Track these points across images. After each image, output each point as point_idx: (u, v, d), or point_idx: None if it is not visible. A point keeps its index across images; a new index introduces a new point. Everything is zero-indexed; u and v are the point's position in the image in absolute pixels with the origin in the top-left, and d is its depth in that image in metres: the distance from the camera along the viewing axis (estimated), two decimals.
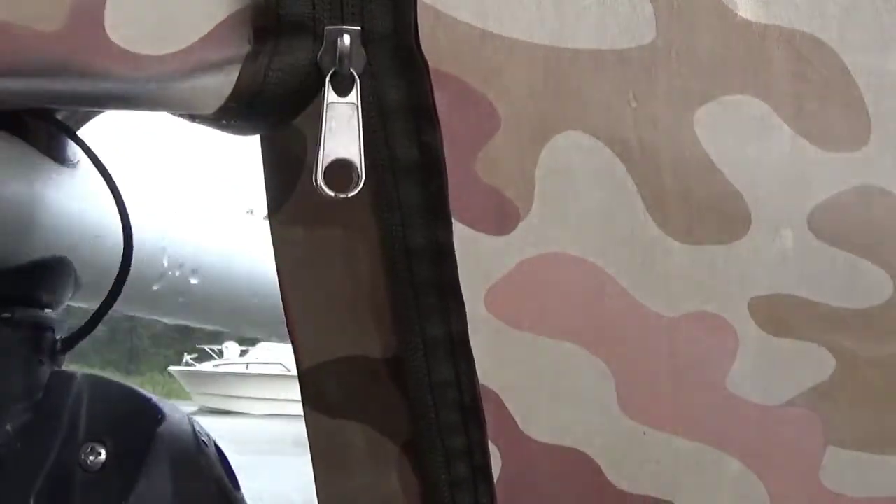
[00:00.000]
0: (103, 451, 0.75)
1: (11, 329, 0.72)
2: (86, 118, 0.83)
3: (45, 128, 0.77)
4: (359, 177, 0.59)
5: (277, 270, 0.67)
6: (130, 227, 0.78)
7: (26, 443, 0.72)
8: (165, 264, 0.96)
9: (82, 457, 0.74)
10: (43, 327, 0.75)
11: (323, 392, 0.69)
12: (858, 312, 0.67)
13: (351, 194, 0.59)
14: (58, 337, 0.78)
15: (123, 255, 0.78)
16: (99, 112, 0.85)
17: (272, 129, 0.64)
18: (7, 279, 0.72)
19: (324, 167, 0.59)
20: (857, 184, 0.64)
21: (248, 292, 1.07)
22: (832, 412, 0.70)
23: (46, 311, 0.76)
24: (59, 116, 0.82)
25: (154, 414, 0.80)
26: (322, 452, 0.70)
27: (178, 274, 0.98)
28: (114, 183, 0.77)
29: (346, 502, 0.71)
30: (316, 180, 0.59)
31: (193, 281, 1.01)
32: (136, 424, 0.78)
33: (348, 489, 0.71)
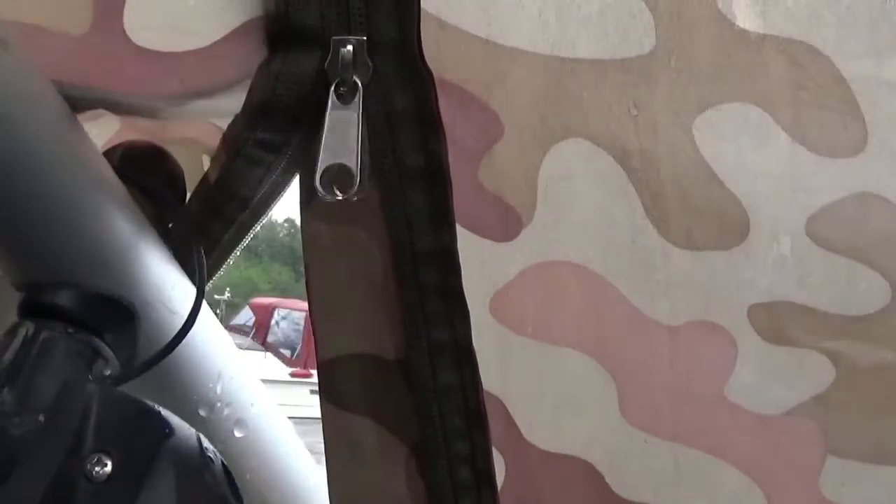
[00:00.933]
0: (109, 463, 0.75)
1: (74, 343, 0.73)
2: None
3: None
4: (355, 182, 0.60)
5: (305, 262, 0.67)
6: (203, 290, 0.78)
7: (33, 450, 0.72)
8: (218, 391, 0.94)
9: (88, 467, 0.74)
10: (101, 354, 0.75)
11: (338, 385, 0.70)
12: (857, 319, 0.67)
13: (344, 197, 0.60)
14: (108, 372, 0.78)
15: (192, 309, 0.77)
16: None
17: (287, 144, 0.65)
18: (81, 300, 0.73)
19: (321, 171, 0.60)
20: (855, 190, 0.65)
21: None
22: (832, 421, 0.70)
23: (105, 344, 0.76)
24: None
25: (162, 428, 0.80)
26: (334, 444, 0.71)
27: (226, 413, 0.95)
28: (202, 255, 0.77)
29: (354, 495, 0.71)
30: (314, 183, 0.60)
31: (238, 434, 0.99)
32: (143, 437, 0.78)
33: (358, 483, 0.71)
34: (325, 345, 0.69)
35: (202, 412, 0.92)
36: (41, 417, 0.72)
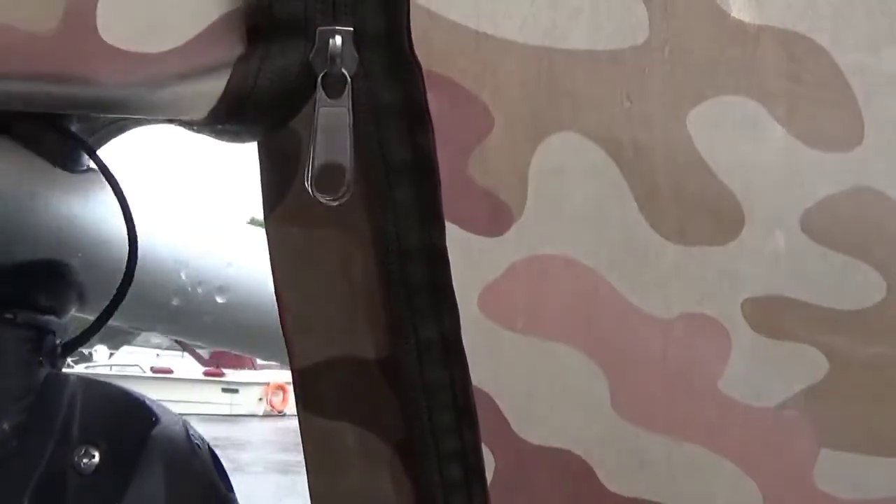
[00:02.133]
0: (97, 454, 0.75)
1: (13, 329, 0.72)
2: (106, 138, 0.83)
3: (55, 137, 0.77)
4: (348, 182, 0.59)
5: (272, 269, 0.66)
6: (135, 232, 0.77)
7: (20, 444, 0.72)
8: (183, 277, 0.94)
9: (76, 459, 0.74)
10: (45, 330, 0.75)
11: (316, 392, 0.69)
12: (851, 313, 0.67)
13: (340, 200, 0.59)
14: (58, 342, 0.77)
15: (128, 260, 0.77)
16: (117, 132, 0.85)
17: (267, 132, 0.63)
18: (7, 279, 0.72)
19: (314, 172, 0.59)
20: (851, 185, 0.64)
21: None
22: (825, 414, 0.70)
23: (49, 315, 0.76)
24: (73, 128, 0.82)
25: (148, 417, 0.79)
26: (314, 453, 0.70)
27: (199, 291, 0.95)
28: (120, 189, 0.77)
29: (337, 502, 0.71)
30: (308, 185, 0.59)
31: (220, 300, 0.99)
32: (129, 427, 0.78)
33: (340, 490, 0.71)
34: (299, 353, 0.68)
35: (176, 302, 0.92)
36: (5, 426, 0.72)
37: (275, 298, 0.67)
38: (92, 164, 0.79)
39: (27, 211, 0.72)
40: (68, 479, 0.73)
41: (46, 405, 0.74)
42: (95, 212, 0.79)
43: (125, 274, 0.77)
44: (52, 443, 0.74)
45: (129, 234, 0.76)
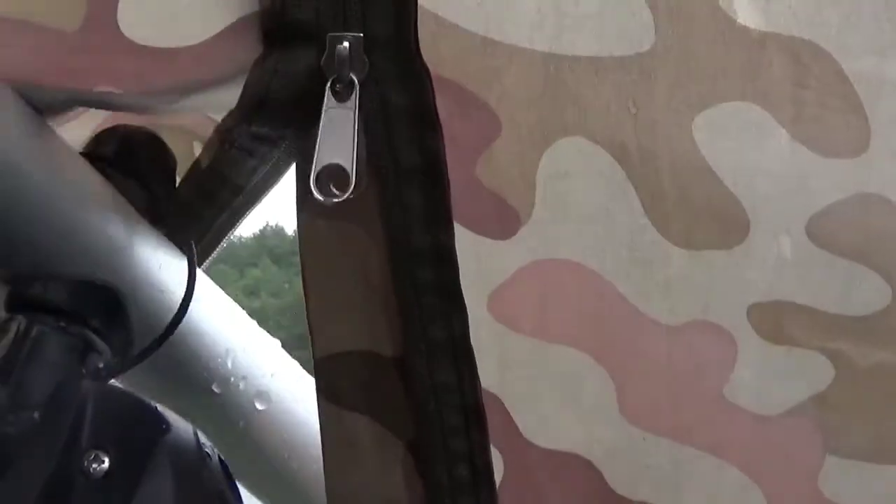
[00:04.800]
0: (106, 459, 0.75)
1: (63, 336, 0.72)
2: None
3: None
4: (350, 182, 0.60)
5: (301, 258, 0.67)
6: (195, 274, 0.77)
7: (29, 447, 0.72)
8: (230, 366, 0.92)
9: (85, 464, 0.74)
10: (92, 348, 0.75)
11: (335, 382, 0.69)
12: (857, 320, 0.67)
13: (339, 200, 0.60)
14: (101, 365, 0.77)
15: (183, 298, 0.77)
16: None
17: (293, 136, 0.64)
18: (65, 289, 0.72)
19: (316, 172, 0.60)
20: (857, 191, 0.64)
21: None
22: (831, 421, 0.70)
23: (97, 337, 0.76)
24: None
25: (158, 424, 0.79)
26: (332, 442, 0.71)
27: (241, 387, 0.93)
28: (195, 266, 0.77)
29: (352, 493, 0.71)
30: (309, 184, 0.60)
31: (260, 406, 0.96)
32: (139, 433, 0.78)
33: (355, 481, 0.71)
34: (321, 341, 0.68)
35: (216, 389, 0.90)
36: (36, 415, 0.72)
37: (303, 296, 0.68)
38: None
39: (112, 237, 0.72)
40: (76, 484, 0.73)
41: (57, 409, 0.74)
42: (162, 261, 0.79)
43: (178, 311, 0.76)
44: (62, 447, 0.74)
45: (189, 272, 0.76)
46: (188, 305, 0.76)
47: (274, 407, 0.93)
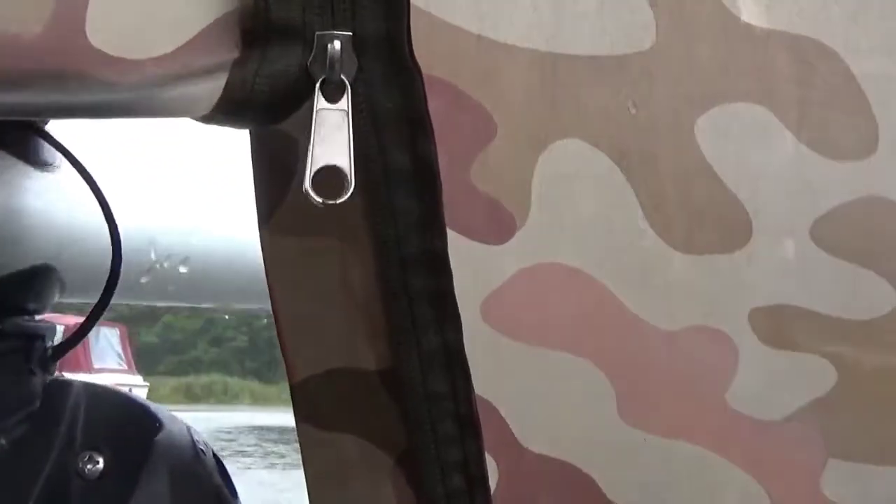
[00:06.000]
0: (101, 460, 0.74)
1: (1, 340, 0.71)
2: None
3: (21, 132, 0.75)
4: (348, 184, 0.58)
5: (268, 280, 0.65)
6: (118, 229, 0.76)
7: (24, 451, 0.71)
8: (153, 257, 0.94)
9: (80, 465, 0.74)
10: (33, 336, 0.74)
11: (315, 405, 0.68)
12: (861, 324, 0.66)
13: (339, 201, 0.58)
14: (48, 345, 0.76)
15: (112, 258, 0.76)
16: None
17: (261, 127, 0.63)
18: None
19: (312, 174, 0.58)
20: (863, 194, 0.63)
21: (236, 270, 1.05)
22: (833, 425, 0.69)
23: (35, 320, 0.75)
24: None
25: (152, 423, 0.79)
26: (314, 465, 0.69)
27: (166, 265, 0.96)
28: (96, 184, 0.75)
29: None
30: (304, 187, 0.58)
31: (182, 270, 0.99)
32: (134, 433, 0.78)
33: (342, 502, 0.70)
34: (297, 366, 0.67)
35: (144, 279, 0.92)
36: (16, 419, 0.71)
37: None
38: (60, 157, 0.77)
39: (6, 216, 0.71)
40: (72, 485, 0.73)
41: (50, 411, 0.73)
42: (71, 208, 0.78)
43: (111, 270, 0.76)
44: (56, 449, 0.74)
45: (110, 230, 0.75)
46: (119, 265, 0.75)
47: (196, 262, 0.98)
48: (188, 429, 0.84)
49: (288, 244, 0.64)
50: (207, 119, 0.62)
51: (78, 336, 0.79)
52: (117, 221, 0.76)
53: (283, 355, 0.67)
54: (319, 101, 0.59)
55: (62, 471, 0.73)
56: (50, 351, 0.76)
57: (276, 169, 0.63)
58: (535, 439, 0.70)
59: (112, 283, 0.77)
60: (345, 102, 0.58)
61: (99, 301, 0.78)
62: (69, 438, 0.74)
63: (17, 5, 0.55)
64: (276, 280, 0.65)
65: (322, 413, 0.68)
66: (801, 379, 0.68)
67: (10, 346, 0.71)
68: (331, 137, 0.58)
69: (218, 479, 0.84)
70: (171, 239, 1.01)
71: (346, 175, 0.58)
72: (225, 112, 0.60)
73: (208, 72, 0.59)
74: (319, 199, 0.58)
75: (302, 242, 0.64)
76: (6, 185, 0.71)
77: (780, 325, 0.66)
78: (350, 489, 0.69)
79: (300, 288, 0.65)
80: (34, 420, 0.72)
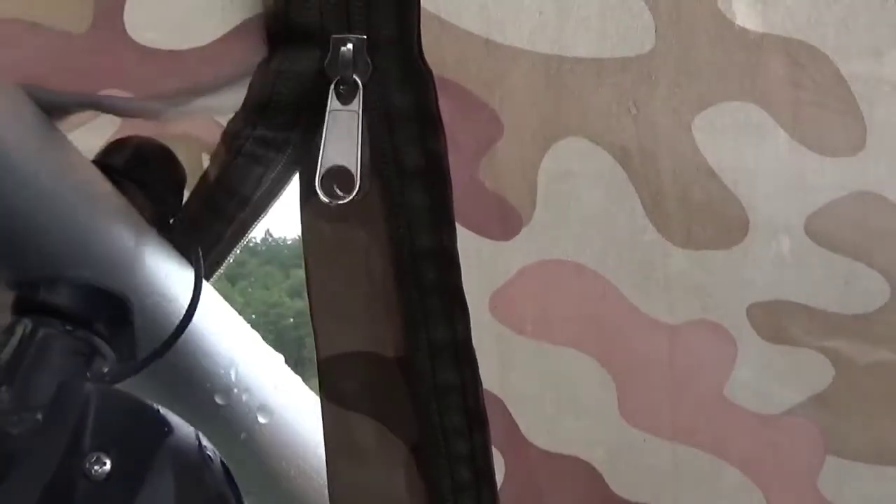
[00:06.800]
0: (108, 462, 0.75)
1: (72, 341, 0.72)
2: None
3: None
4: (355, 184, 0.60)
5: (305, 259, 0.67)
6: (199, 295, 0.77)
7: (32, 448, 0.72)
8: (233, 378, 0.93)
9: (87, 466, 0.74)
10: (98, 352, 0.75)
11: (338, 383, 0.70)
12: (856, 318, 0.67)
13: (344, 202, 0.60)
14: (105, 370, 0.77)
15: (189, 306, 0.77)
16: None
17: (299, 138, 0.65)
18: (73, 294, 0.73)
19: (321, 174, 0.60)
20: (854, 189, 0.65)
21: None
22: (831, 421, 0.70)
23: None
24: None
25: (161, 426, 0.79)
26: (335, 442, 0.71)
27: (244, 399, 0.93)
28: (201, 273, 0.77)
29: (355, 495, 0.71)
30: (314, 186, 0.60)
31: (262, 419, 0.96)
32: (141, 436, 0.78)
33: (358, 482, 0.71)
34: (325, 342, 0.69)
35: (219, 400, 0.90)
36: (39, 416, 0.72)
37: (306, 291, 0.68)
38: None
39: (122, 246, 0.73)
40: (78, 486, 0.73)
41: (59, 411, 0.74)
42: (170, 271, 0.79)
43: (182, 320, 0.77)
44: (64, 448, 0.74)
45: (195, 284, 0.76)
46: (193, 314, 0.76)
47: (276, 419, 0.93)
48: (196, 434, 0.84)
49: (322, 227, 0.66)
50: (234, 125, 0.64)
51: (132, 369, 0.80)
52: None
53: (313, 329, 0.68)
54: (333, 103, 0.61)
55: (69, 470, 0.73)
56: (108, 376, 0.77)
57: (311, 160, 0.65)
58: (541, 434, 0.72)
59: (182, 328, 0.78)
60: (356, 104, 0.61)
61: (166, 340, 0.78)
62: (77, 438, 0.74)
63: (61, 4, 0.59)
64: (312, 258, 0.67)
65: (344, 393, 0.69)
66: (799, 374, 0.69)
67: (75, 347, 0.72)
68: (341, 138, 0.61)
69: (224, 485, 0.84)
70: (256, 372, 0.97)
71: (353, 176, 0.60)
72: (250, 113, 0.63)
73: (237, 74, 0.62)
74: (327, 199, 0.61)
75: (333, 228, 0.66)
76: (136, 224, 0.73)
77: (777, 320, 0.68)
78: (367, 470, 0.70)
79: (332, 270, 0.67)
80: (44, 417, 0.73)
